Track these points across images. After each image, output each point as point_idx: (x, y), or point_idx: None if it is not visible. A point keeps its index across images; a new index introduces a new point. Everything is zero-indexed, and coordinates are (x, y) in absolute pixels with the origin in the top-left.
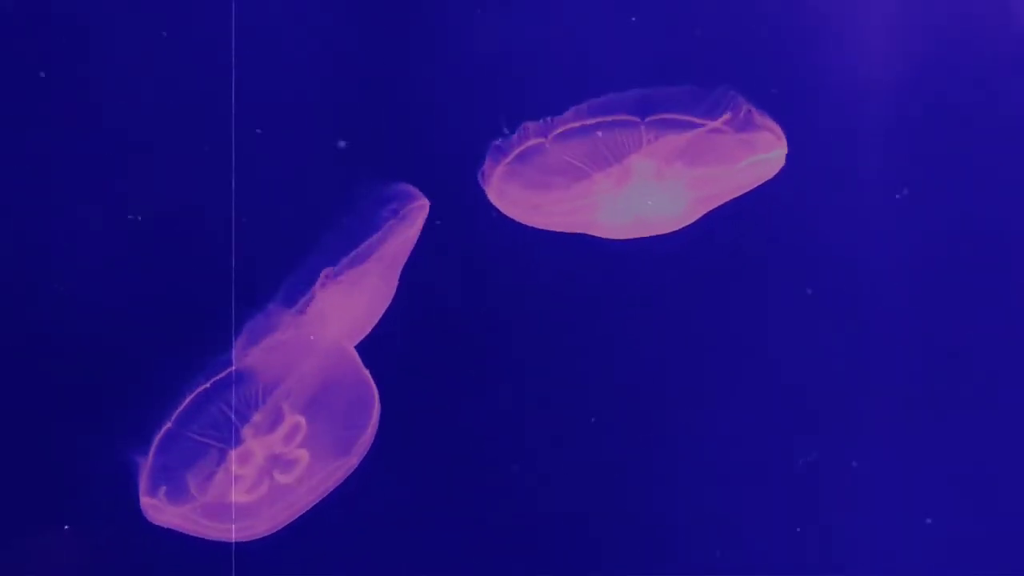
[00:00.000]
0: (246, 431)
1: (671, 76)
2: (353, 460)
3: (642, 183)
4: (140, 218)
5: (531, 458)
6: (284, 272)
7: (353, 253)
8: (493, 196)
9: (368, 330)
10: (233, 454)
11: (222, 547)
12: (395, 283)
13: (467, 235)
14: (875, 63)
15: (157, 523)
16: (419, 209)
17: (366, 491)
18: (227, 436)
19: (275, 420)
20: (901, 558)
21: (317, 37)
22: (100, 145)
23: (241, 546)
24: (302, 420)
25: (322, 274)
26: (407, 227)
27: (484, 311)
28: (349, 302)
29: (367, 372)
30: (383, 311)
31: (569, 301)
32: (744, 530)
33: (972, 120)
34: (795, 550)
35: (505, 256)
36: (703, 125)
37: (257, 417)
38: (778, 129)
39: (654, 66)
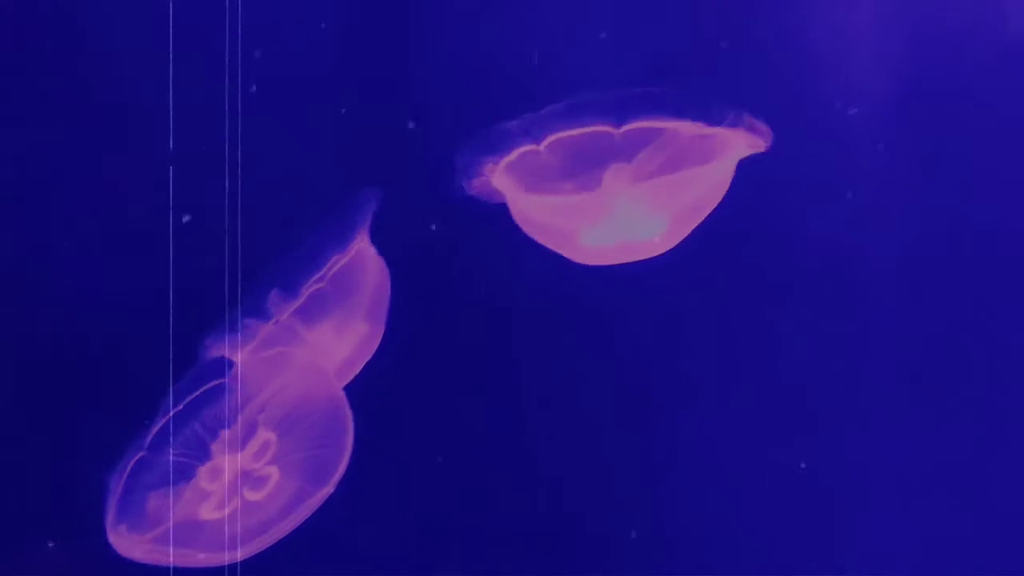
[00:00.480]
0: (215, 447)
1: (657, 78)
2: (328, 488)
3: (624, 201)
4: (188, 218)
5: (524, 466)
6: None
7: (311, 276)
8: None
9: (353, 355)
10: (202, 470)
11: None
12: (381, 311)
13: (461, 240)
14: (867, 66)
15: (128, 557)
16: (364, 251)
17: (357, 498)
18: (197, 453)
19: (246, 436)
20: (901, 558)
21: (315, 38)
22: (93, 148)
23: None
24: (273, 436)
25: (271, 295)
26: (366, 273)
27: (477, 317)
28: (319, 321)
29: (342, 392)
30: (370, 339)
31: (563, 308)
32: (740, 538)
33: (969, 121)
34: (795, 552)
35: (500, 261)
36: (684, 130)
37: (226, 433)
38: (761, 126)
39: (640, 68)
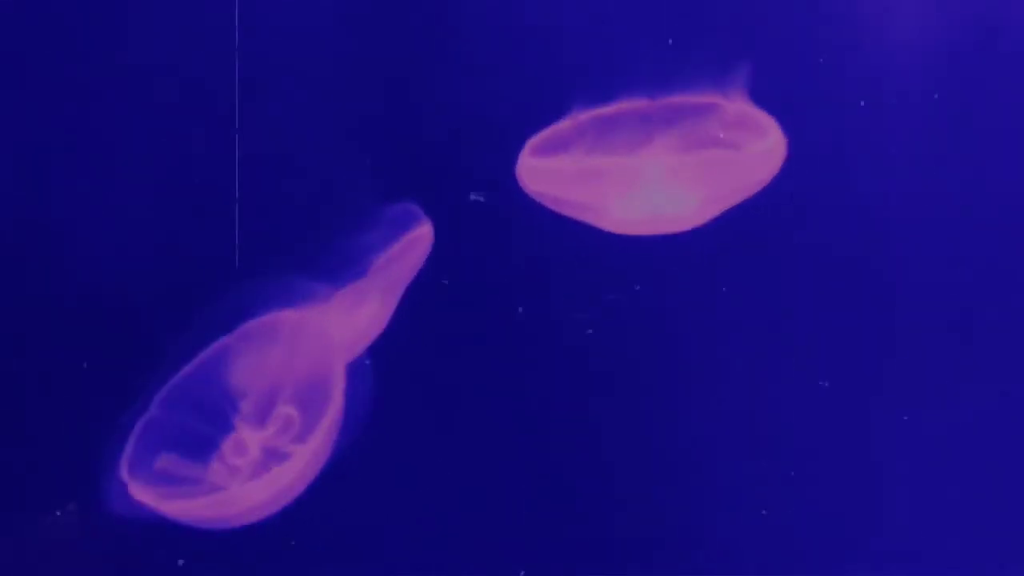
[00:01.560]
0: (239, 422)
1: (685, 66)
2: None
3: (655, 177)
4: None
5: (533, 455)
6: (286, 272)
7: (353, 271)
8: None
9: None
10: (226, 444)
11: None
12: (395, 298)
13: (481, 224)
14: (892, 55)
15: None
16: (422, 236)
17: (365, 485)
18: (219, 424)
19: (266, 412)
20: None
21: (322, 37)
22: (102, 143)
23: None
24: (294, 412)
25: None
26: (410, 256)
27: (495, 300)
28: (345, 316)
29: (340, 364)
30: (381, 321)
31: (582, 292)
32: (755, 527)
33: (990, 112)
34: (808, 548)
35: (521, 246)
36: (715, 115)
37: (247, 407)
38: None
39: (667, 57)
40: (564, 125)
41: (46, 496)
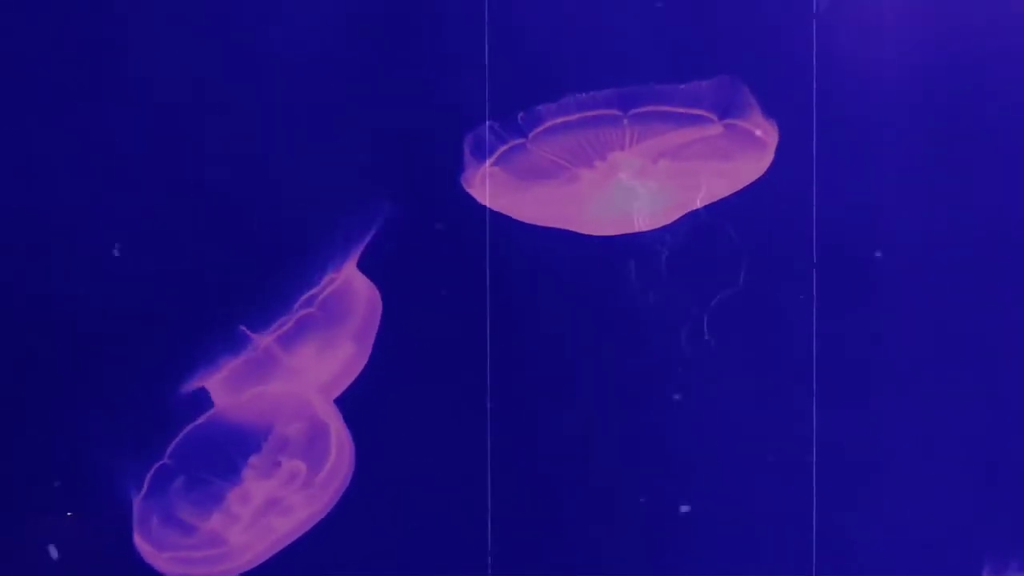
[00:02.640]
0: (246, 472)
1: (662, 71)
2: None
3: (626, 180)
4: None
5: (526, 457)
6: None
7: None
8: (478, 194)
9: (337, 374)
10: (231, 495)
11: None
12: (371, 330)
13: (456, 234)
14: (872, 61)
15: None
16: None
17: (365, 496)
18: (226, 475)
19: (274, 463)
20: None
21: (310, 39)
22: (102, 145)
23: None
24: (302, 465)
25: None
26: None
27: (473, 307)
28: (303, 344)
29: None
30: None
31: (559, 296)
32: (735, 529)
33: (975, 117)
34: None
35: (494, 252)
36: (691, 122)
37: (255, 460)
38: (768, 127)
39: (644, 62)
40: (530, 135)
41: (46, 496)
